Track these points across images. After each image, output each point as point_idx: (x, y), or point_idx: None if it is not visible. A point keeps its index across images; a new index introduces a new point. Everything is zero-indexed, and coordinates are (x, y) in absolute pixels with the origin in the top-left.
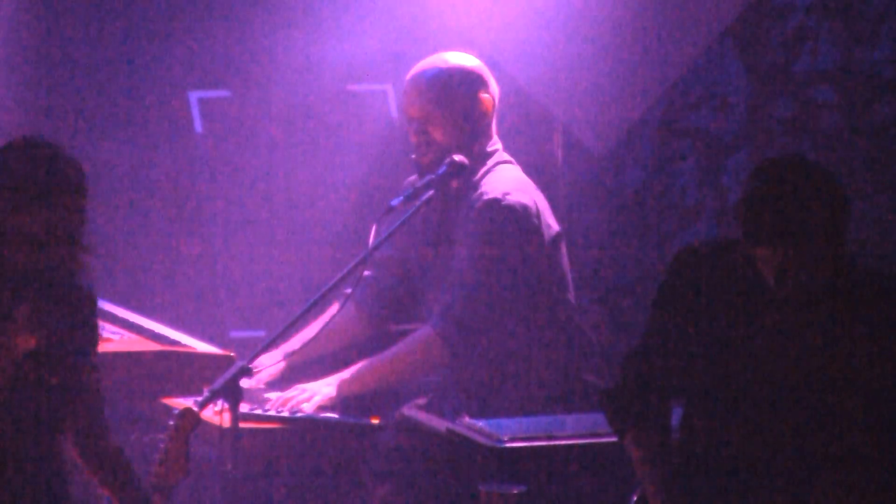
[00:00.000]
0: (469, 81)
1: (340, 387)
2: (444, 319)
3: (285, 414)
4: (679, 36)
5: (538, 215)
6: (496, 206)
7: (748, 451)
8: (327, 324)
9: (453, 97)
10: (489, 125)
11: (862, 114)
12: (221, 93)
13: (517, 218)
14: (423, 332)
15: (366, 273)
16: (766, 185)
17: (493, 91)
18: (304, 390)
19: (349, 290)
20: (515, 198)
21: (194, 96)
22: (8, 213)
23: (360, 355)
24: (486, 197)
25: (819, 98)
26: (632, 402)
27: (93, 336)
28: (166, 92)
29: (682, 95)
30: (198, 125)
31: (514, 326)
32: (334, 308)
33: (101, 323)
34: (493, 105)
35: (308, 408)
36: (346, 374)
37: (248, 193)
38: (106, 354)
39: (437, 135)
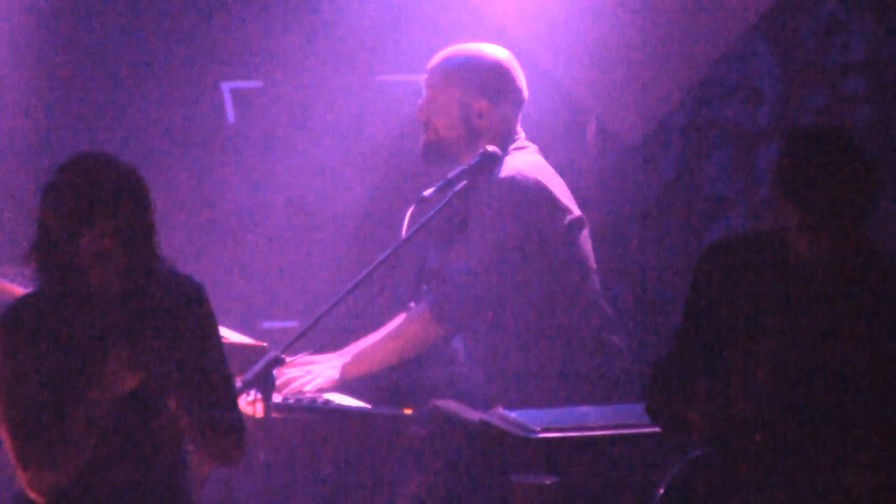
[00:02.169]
0: (475, 80)
1: (344, 370)
2: (438, 298)
3: (319, 405)
4: (711, 28)
5: (551, 198)
6: (506, 186)
7: (786, 433)
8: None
9: (452, 90)
10: (497, 129)
11: (893, 105)
12: (254, 83)
13: (527, 199)
14: (417, 310)
15: (423, 287)
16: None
17: (515, 93)
18: (308, 371)
19: (413, 304)
20: (521, 180)
21: (227, 87)
22: (79, 236)
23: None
24: (497, 178)
25: (850, 90)
26: (671, 400)
27: (203, 349)
28: (199, 83)
29: (714, 87)
30: (230, 115)
31: (534, 312)
32: (399, 319)
33: None
34: (498, 112)
35: (310, 390)
36: (347, 356)
37: (280, 183)
38: None
39: (435, 119)
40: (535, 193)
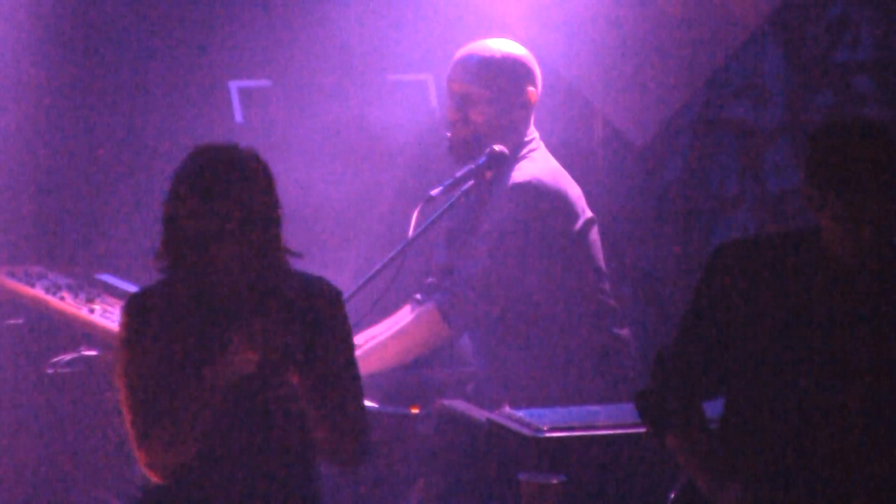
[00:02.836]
0: (518, 71)
1: None
2: (446, 297)
3: None
4: (719, 27)
5: (566, 203)
6: (521, 189)
7: (804, 437)
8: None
9: (500, 82)
10: (528, 116)
11: None
12: (261, 82)
13: (544, 206)
14: (425, 308)
15: (428, 280)
16: (848, 142)
17: (538, 84)
18: None
19: (419, 296)
20: (537, 183)
21: (234, 86)
22: (204, 218)
23: (424, 356)
24: (513, 181)
25: (858, 89)
26: (669, 402)
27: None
28: (206, 82)
29: (722, 86)
30: (238, 115)
31: (543, 312)
32: (404, 311)
33: None
34: (537, 98)
35: None
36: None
37: (287, 182)
38: None
39: (475, 115)
40: (553, 200)
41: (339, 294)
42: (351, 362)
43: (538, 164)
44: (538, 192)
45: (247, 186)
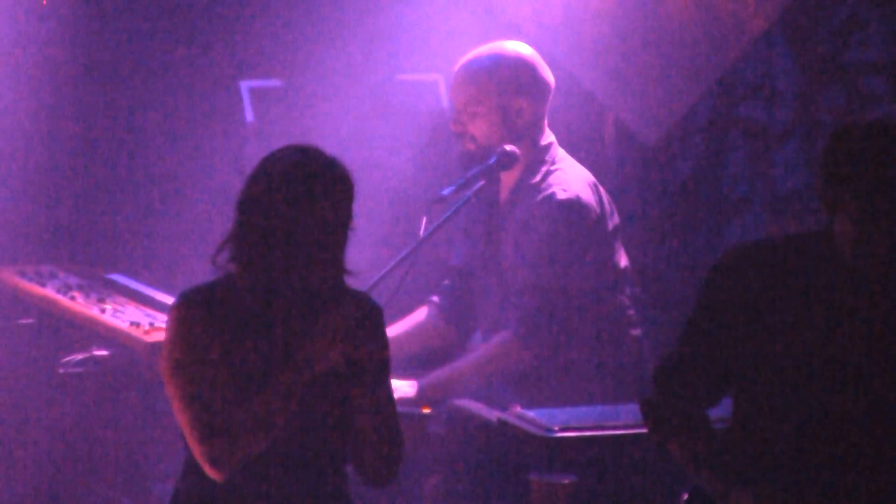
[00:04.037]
0: (510, 81)
1: (422, 390)
2: (523, 323)
3: None
4: (729, 27)
5: (603, 213)
6: (566, 207)
7: (814, 438)
8: (412, 328)
9: (489, 95)
10: (531, 125)
11: None
12: (272, 82)
13: (587, 219)
14: (502, 337)
15: (445, 282)
16: (866, 142)
17: (542, 88)
18: None
19: (435, 298)
20: (584, 199)
21: (245, 86)
22: (295, 222)
23: (439, 358)
24: (555, 199)
25: (870, 89)
26: (671, 409)
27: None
28: (218, 82)
29: (732, 87)
30: (249, 115)
31: (571, 320)
32: (420, 312)
33: (153, 312)
34: (534, 108)
35: None
36: (428, 379)
37: None
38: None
39: (473, 128)
40: (592, 215)
41: (381, 312)
42: (388, 383)
43: (573, 178)
44: (582, 209)
45: (345, 195)
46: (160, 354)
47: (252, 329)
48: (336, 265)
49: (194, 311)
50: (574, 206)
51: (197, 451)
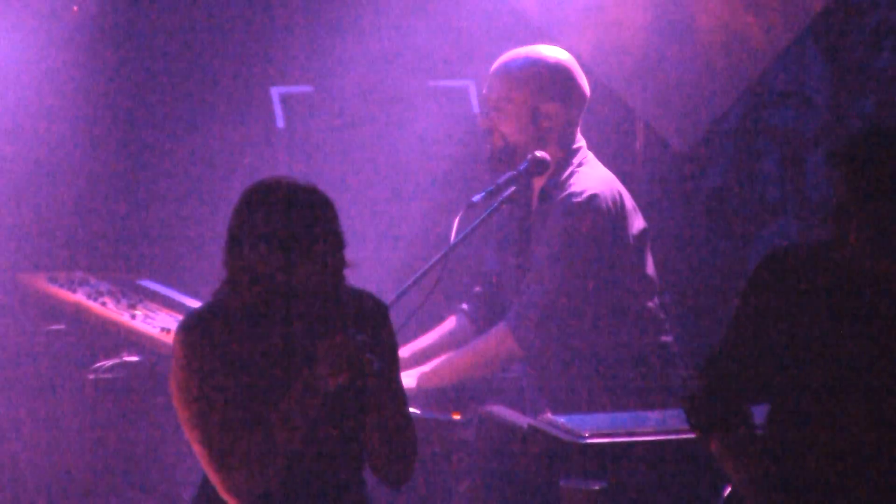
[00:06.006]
0: (544, 83)
1: (420, 379)
2: (519, 318)
3: None
4: (761, 33)
5: (623, 215)
6: (581, 206)
7: (850, 449)
8: (442, 337)
9: (522, 95)
10: (562, 131)
11: None
12: (303, 88)
13: (602, 219)
14: (498, 329)
15: (476, 289)
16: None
17: (577, 92)
18: None
19: (465, 306)
20: (601, 199)
21: (276, 92)
22: (294, 242)
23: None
24: (571, 198)
25: None
26: (715, 406)
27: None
28: (248, 88)
29: (764, 93)
30: (280, 121)
31: (592, 321)
32: (450, 322)
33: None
34: (566, 114)
35: None
36: (425, 367)
37: (329, 189)
38: None
39: (502, 125)
40: (610, 215)
41: (386, 309)
42: (398, 379)
43: (592, 178)
44: (597, 209)
45: (330, 210)
46: (169, 382)
47: (256, 345)
48: (331, 270)
49: (197, 337)
50: (589, 206)
51: (214, 479)
